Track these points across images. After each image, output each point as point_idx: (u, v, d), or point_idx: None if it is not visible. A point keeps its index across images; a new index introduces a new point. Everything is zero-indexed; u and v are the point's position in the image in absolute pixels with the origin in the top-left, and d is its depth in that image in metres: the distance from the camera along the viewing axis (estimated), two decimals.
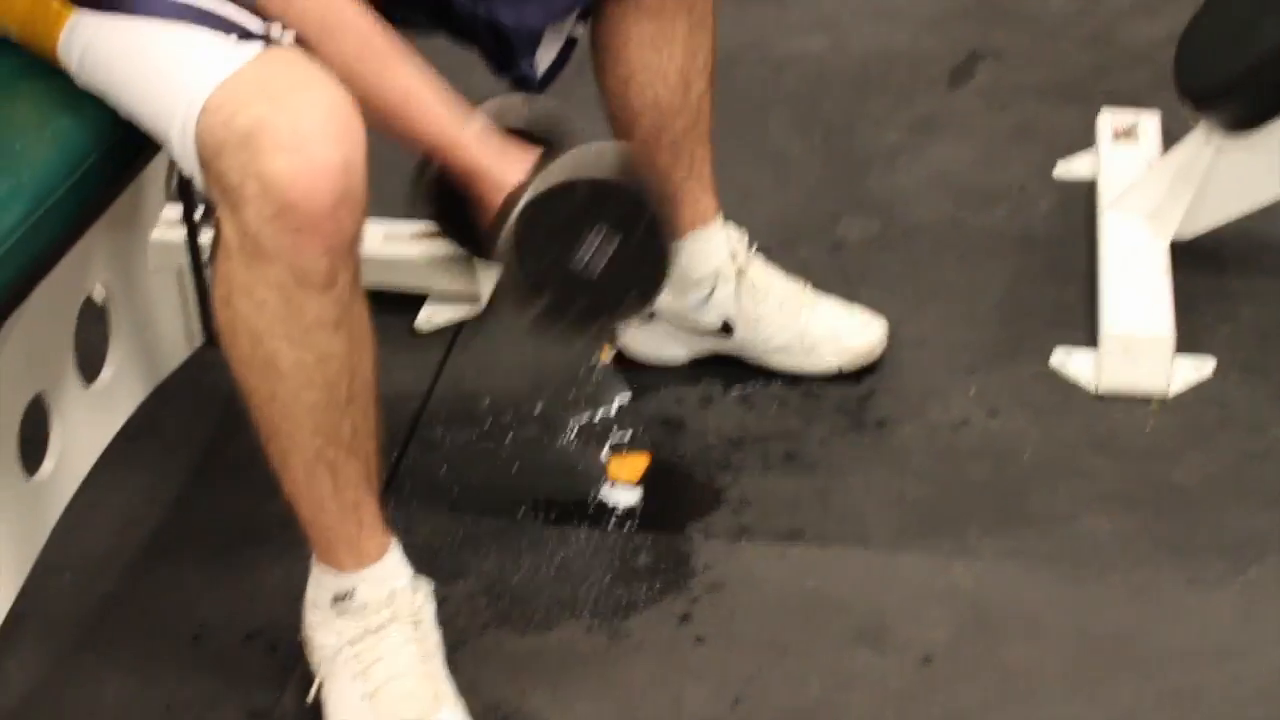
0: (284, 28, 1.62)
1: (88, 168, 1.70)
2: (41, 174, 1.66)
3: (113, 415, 2.14)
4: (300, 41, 1.63)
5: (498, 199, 1.71)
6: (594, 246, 1.71)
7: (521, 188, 1.69)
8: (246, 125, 1.52)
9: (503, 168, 1.72)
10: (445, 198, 1.82)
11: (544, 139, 1.84)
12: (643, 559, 2.01)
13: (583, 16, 2.04)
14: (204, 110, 1.54)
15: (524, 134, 1.84)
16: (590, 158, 1.74)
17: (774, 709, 1.80)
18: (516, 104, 1.90)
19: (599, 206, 1.72)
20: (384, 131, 1.70)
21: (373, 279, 2.29)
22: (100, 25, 1.64)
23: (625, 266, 1.74)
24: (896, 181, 2.74)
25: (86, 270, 2.03)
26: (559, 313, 1.78)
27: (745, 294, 2.23)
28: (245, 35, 1.58)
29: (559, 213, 1.71)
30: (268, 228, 1.52)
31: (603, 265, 1.72)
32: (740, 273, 2.23)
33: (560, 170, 1.70)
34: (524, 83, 1.97)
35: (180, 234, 2.16)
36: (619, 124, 2.12)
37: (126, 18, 1.63)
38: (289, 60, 1.59)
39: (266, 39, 1.59)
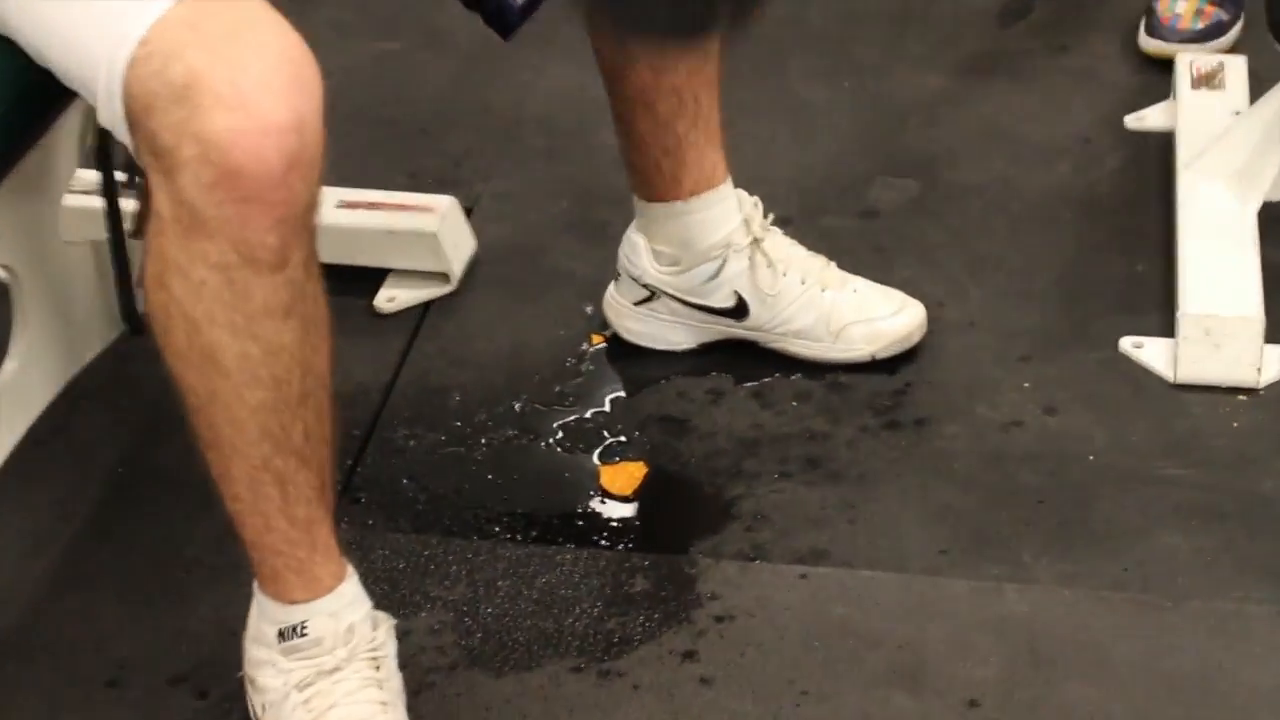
0: None
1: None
2: None
3: (17, 416, 2.12)
4: None
5: None
6: None
7: None
8: (181, 76, 1.51)
9: None
10: None
11: None
12: (639, 585, 2.00)
13: None
14: (132, 60, 1.53)
15: None
16: None
17: None
18: None
19: None
20: None
21: (326, 253, 2.30)
22: None
23: None
24: (938, 136, 2.75)
25: None
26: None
27: (761, 269, 2.24)
28: None
29: None
30: (207, 196, 1.51)
31: None
32: (755, 243, 2.23)
33: None
34: (501, 14, 1.96)
35: (98, 202, 2.14)
36: (611, 68, 2.13)
37: None
38: None
39: None
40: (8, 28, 1.67)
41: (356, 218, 2.41)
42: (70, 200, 2.20)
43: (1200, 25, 2.52)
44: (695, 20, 1.75)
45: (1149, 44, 2.63)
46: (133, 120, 1.54)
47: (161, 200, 1.55)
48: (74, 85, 1.63)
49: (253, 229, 1.52)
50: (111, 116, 1.57)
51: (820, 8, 2.93)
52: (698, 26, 1.78)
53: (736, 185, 2.22)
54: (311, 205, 1.57)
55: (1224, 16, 2.54)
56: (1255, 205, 2.30)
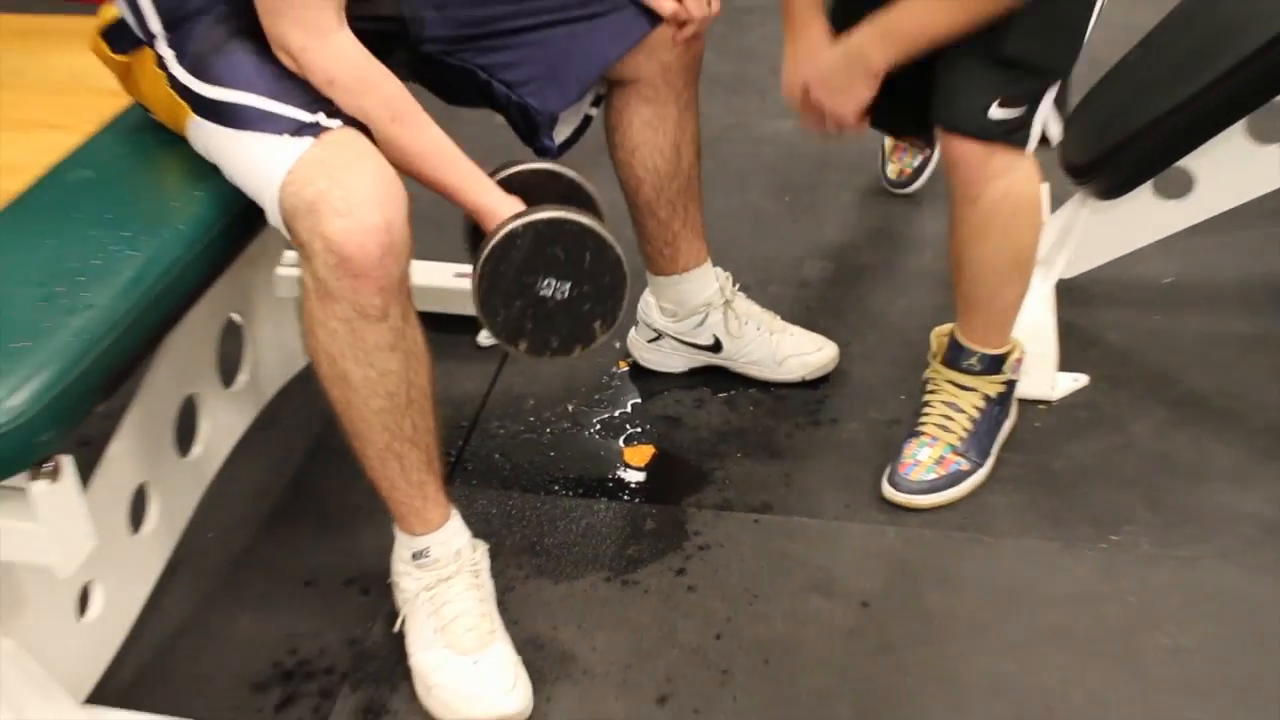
0: (339, 115, 1.59)
1: (227, 221, 1.70)
2: (193, 226, 1.66)
3: (246, 411, 2.15)
4: (356, 122, 1.62)
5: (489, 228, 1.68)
6: (556, 282, 1.66)
7: (501, 224, 1.65)
8: (311, 196, 1.52)
9: (493, 209, 1.68)
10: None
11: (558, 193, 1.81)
12: (648, 525, 2.01)
13: (596, 102, 2.05)
14: (282, 186, 1.54)
15: (549, 186, 1.82)
16: (587, 216, 1.67)
17: (746, 641, 1.81)
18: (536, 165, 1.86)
19: (559, 245, 1.64)
20: (415, 178, 1.69)
21: (444, 306, 2.31)
22: (209, 126, 1.64)
23: (576, 307, 1.68)
24: (847, 234, 2.74)
25: (227, 299, 2.04)
26: (516, 327, 1.70)
27: (730, 320, 2.24)
28: (305, 128, 1.57)
29: (516, 256, 1.65)
30: (331, 275, 1.53)
31: (563, 296, 1.67)
32: (727, 303, 2.24)
33: (567, 213, 1.65)
34: (544, 151, 1.96)
35: (297, 271, 2.15)
36: (628, 187, 2.12)
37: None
38: (342, 143, 1.57)
39: (321, 126, 1.57)
40: (220, 166, 1.67)
41: (465, 283, 2.40)
42: (280, 270, 2.23)
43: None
44: (580, 337, 1.72)
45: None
46: (286, 224, 1.56)
47: (306, 276, 1.56)
48: (257, 201, 1.62)
49: (362, 295, 1.54)
50: (276, 221, 1.58)
51: (770, 149, 2.92)
52: (583, 340, 1.73)
53: (714, 264, 2.22)
54: (403, 277, 1.58)
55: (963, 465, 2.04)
56: (1053, 281, 2.29)
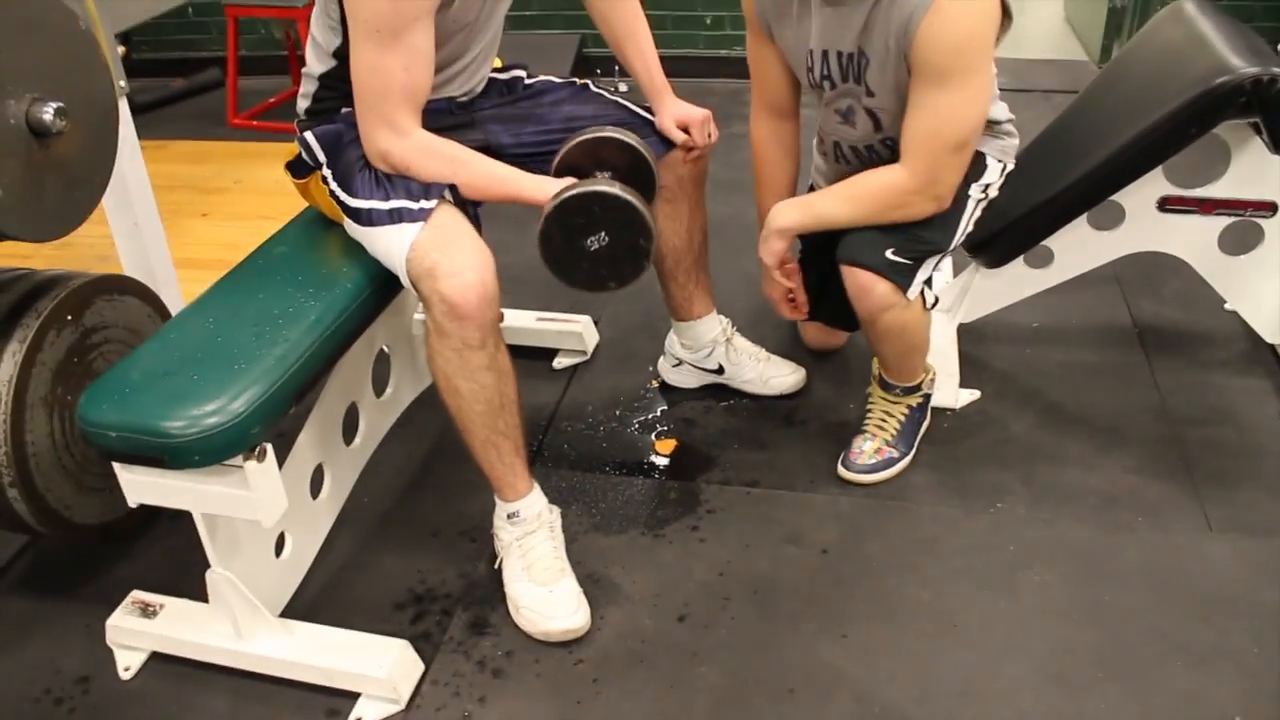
0: (431, 196, 1.59)
1: (376, 284, 1.71)
2: (354, 286, 1.69)
3: (391, 414, 2.16)
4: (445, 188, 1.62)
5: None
6: (595, 236, 1.57)
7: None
8: (428, 266, 1.54)
9: (543, 195, 1.59)
10: None
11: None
12: (671, 495, 2.01)
13: None
14: (406, 261, 1.56)
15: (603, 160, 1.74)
16: (599, 182, 1.58)
17: (741, 578, 1.80)
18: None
19: (582, 212, 1.56)
20: (489, 200, 1.67)
21: (528, 340, 2.32)
22: (355, 224, 1.66)
23: (619, 247, 1.58)
24: None
25: (379, 335, 2.05)
26: (599, 278, 1.62)
27: (730, 352, 2.23)
28: (415, 214, 1.58)
29: (555, 238, 1.58)
30: (445, 319, 1.55)
31: (605, 243, 1.57)
32: (728, 340, 2.23)
33: (564, 194, 1.56)
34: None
35: (423, 317, 2.16)
36: (655, 260, 2.09)
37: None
38: (443, 224, 1.58)
39: (425, 210, 1.58)
40: (367, 248, 1.68)
41: (545, 325, 2.41)
42: (415, 316, 2.24)
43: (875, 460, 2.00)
44: (615, 277, 1.62)
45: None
46: (413, 285, 1.57)
47: (428, 320, 1.58)
48: (393, 271, 1.62)
49: (467, 332, 1.55)
50: (406, 284, 1.59)
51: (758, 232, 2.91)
52: (618, 279, 1.62)
53: (718, 312, 2.22)
54: (496, 317, 1.58)
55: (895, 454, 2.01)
56: (955, 323, 2.29)
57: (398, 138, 1.59)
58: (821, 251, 1.91)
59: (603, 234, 1.57)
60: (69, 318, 1.71)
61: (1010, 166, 1.93)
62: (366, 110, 1.59)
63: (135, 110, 1.87)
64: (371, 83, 1.55)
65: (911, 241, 1.79)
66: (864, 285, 1.79)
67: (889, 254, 1.77)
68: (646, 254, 1.59)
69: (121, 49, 2.12)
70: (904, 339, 1.90)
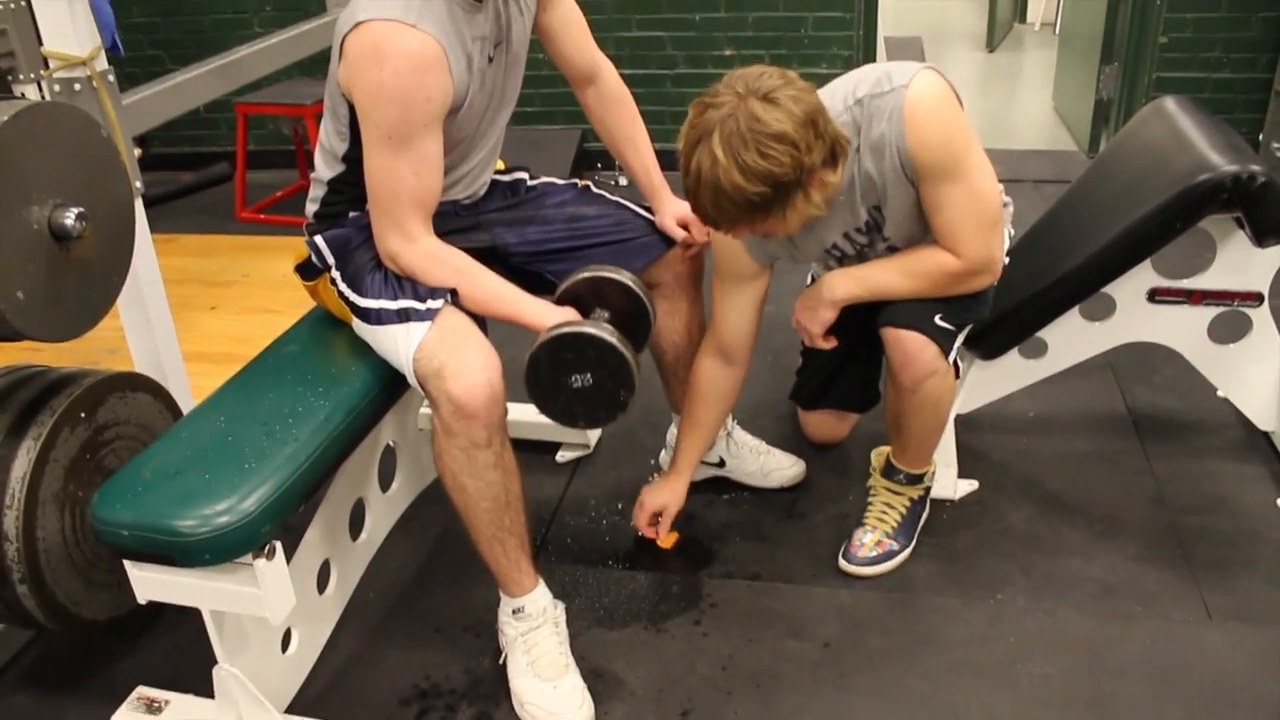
0: (437, 296, 1.63)
1: (383, 383, 1.74)
2: (362, 386, 1.72)
3: (397, 508, 2.17)
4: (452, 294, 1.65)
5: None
6: (581, 375, 1.60)
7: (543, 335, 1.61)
8: (435, 367, 1.56)
9: (541, 323, 1.63)
10: None
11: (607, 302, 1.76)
12: (674, 589, 2.01)
13: None
14: (414, 361, 1.59)
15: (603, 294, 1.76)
16: (598, 327, 1.60)
17: (743, 671, 1.80)
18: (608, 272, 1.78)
19: (573, 352, 1.59)
20: (489, 316, 1.67)
21: (531, 434, 2.34)
22: (363, 324, 1.70)
23: (599, 393, 1.62)
24: None
25: (384, 431, 2.07)
26: (577, 416, 1.65)
27: (731, 445, 2.24)
28: (422, 314, 1.61)
29: (544, 370, 1.61)
30: (451, 418, 1.56)
31: (589, 384, 1.61)
32: (728, 434, 2.23)
33: (561, 328, 1.59)
34: None
35: (429, 414, 2.18)
36: (656, 354, 2.10)
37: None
38: (450, 325, 1.61)
39: (431, 310, 1.61)
40: (374, 348, 1.71)
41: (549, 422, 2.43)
42: (421, 412, 2.26)
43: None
44: (599, 413, 1.65)
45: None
46: (420, 385, 1.59)
47: (435, 419, 1.59)
48: (400, 371, 1.65)
49: (474, 431, 1.56)
50: (413, 383, 1.61)
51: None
52: (601, 416, 1.66)
53: None
54: (502, 417, 1.59)
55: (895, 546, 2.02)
56: (953, 414, 2.25)
57: (407, 243, 1.64)
58: (837, 329, 1.90)
59: (589, 375, 1.60)
60: (82, 415, 1.74)
61: (1012, 232, 1.97)
62: (380, 213, 1.64)
63: (146, 204, 1.90)
64: (383, 186, 1.60)
65: (958, 310, 1.81)
66: (912, 351, 1.79)
67: (938, 319, 1.79)
68: (623, 407, 1.63)
69: (138, 151, 2.17)
70: (938, 411, 1.90)
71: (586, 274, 1.77)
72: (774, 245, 1.85)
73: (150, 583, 1.52)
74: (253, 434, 1.56)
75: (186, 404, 2.05)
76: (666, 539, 2.07)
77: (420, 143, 1.58)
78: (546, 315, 1.64)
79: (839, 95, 1.66)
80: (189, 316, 3.14)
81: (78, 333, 1.60)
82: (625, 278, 1.76)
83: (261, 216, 4.10)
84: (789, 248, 1.86)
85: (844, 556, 2.01)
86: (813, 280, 2.18)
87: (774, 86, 1.51)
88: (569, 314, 1.65)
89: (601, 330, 1.59)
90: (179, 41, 4.57)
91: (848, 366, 2.17)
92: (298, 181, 4.37)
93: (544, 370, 1.61)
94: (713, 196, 1.53)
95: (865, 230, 1.80)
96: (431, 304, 1.62)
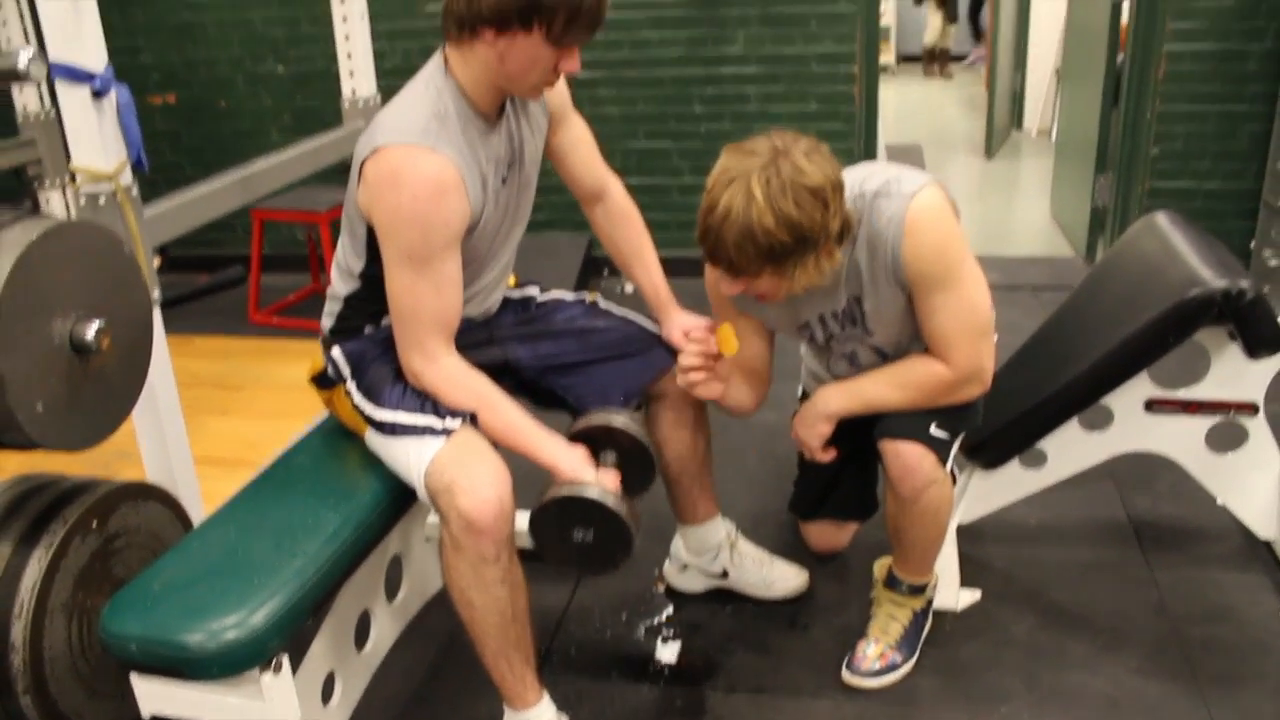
0: (456, 416, 1.65)
1: (392, 497, 1.76)
2: (371, 498, 1.73)
3: (403, 619, 2.16)
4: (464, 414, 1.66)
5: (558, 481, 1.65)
6: (584, 532, 1.64)
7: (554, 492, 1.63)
8: (446, 482, 1.58)
9: (554, 468, 1.65)
10: None
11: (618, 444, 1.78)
12: (678, 702, 1.99)
13: (638, 407, 2.05)
14: (425, 475, 1.61)
15: (609, 437, 1.78)
16: (607, 496, 1.63)
17: None
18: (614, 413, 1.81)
19: (578, 511, 1.63)
20: (508, 447, 1.68)
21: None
22: (378, 435, 1.72)
23: (598, 550, 1.66)
24: None
25: (391, 542, 2.07)
26: (572, 563, 1.68)
27: (734, 556, 2.23)
28: (438, 432, 1.63)
29: (550, 523, 1.65)
30: (461, 534, 1.58)
31: (589, 540, 1.64)
32: (732, 544, 2.23)
33: (559, 490, 1.63)
34: None
35: (438, 525, 2.19)
36: (661, 465, 2.09)
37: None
38: (464, 443, 1.62)
39: (448, 430, 1.63)
40: (385, 461, 1.73)
41: None
42: (428, 522, 2.26)
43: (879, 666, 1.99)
44: (600, 565, 1.69)
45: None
46: (430, 499, 1.60)
47: (444, 533, 1.60)
48: (410, 485, 1.67)
49: (483, 547, 1.57)
50: (423, 498, 1.63)
51: (760, 431, 2.84)
52: (602, 567, 1.70)
53: (722, 515, 2.21)
54: (511, 535, 1.60)
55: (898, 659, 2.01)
56: (954, 524, 2.27)
57: (429, 363, 1.67)
58: (836, 440, 1.93)
59: (591, 533, 1.64)
60: (94, 524, 1.75)
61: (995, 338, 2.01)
62: (402, 330, 1.67)
63: (162, 306, 1.94)
64: (405, 305, 1.64)
65: (952, 419, 1.84)
66: (912, 462, 1.81)
67: (933, 429, 1.81)
68: (616, 566, 1.68)
69: (157, 260, 2.21)
70: (938, 520, 1.91)
71: (598, 422, 1.79)
72: (753, 308, 1.88)
73: (155, 696, 1.52)
74: (262, 547, 1.58)
75: (196, 508, 2.06)
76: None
77: (440, 263, 1.61)
78: (561, 456, 1.65)
79: (848, 183, 1.70)
80: (200, 420, 3.16)
81: (94, 442, 1.63)
82: (632, 428, 1.79)
83: (274, 320, 4.16)
84: (765, 314, 1.90)
85: (848, 667, 2.00)
86: (803, 393, 2.21)
87: (813, 147, 1.58)
88: (582, 455, 1.67)
89: (611, 501, 1.62)
90: (199, 149, 4.69)
91: (844, 476, 2.18)
92: (310, 285, 4.45)
93: (550, 524, 1.65)
94: (737, 237, 1.55)
95: (839, 317, 1.84)
96: (450, 423, 1.64)
